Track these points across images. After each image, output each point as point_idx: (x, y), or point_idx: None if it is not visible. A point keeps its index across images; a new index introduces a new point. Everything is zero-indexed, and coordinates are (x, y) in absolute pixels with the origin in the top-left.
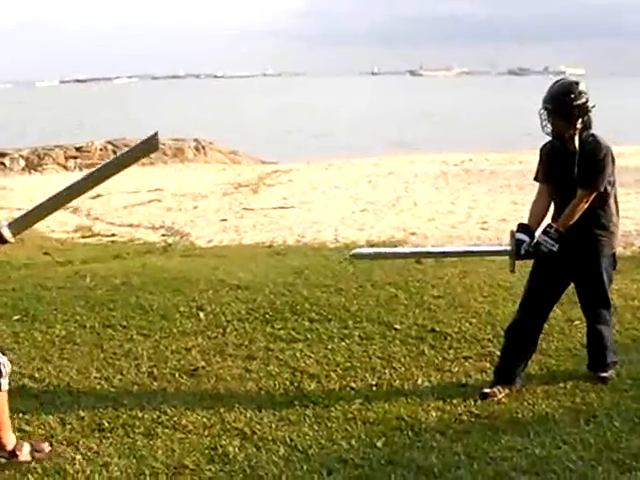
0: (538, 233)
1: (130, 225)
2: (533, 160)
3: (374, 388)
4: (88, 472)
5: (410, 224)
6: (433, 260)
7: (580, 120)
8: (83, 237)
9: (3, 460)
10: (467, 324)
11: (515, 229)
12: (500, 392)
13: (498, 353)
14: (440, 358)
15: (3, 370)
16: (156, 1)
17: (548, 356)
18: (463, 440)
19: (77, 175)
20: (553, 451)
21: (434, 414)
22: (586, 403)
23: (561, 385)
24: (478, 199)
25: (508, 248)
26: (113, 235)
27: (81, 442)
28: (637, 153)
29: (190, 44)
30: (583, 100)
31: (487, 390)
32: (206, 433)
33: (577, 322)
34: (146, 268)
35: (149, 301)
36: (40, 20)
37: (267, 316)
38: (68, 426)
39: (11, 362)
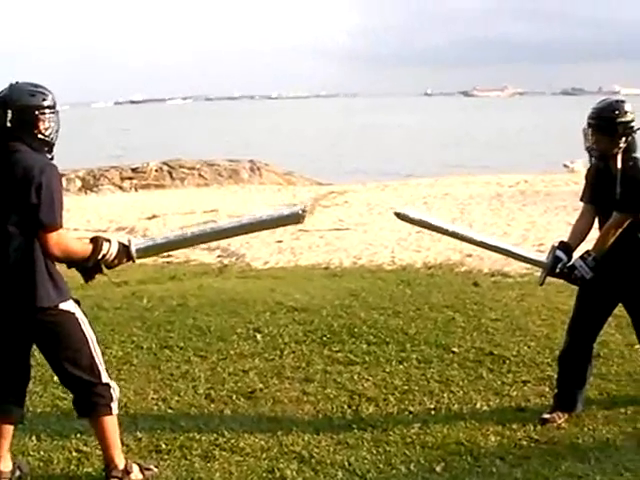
0: (576, 256)
1: None
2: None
3: (432, 412)
4: None
5: (466, 246)
6: (491, 283)
7: (624, 139)
8: (139, 258)
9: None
10: (525, 347)
11: (557, 244)
12: (560, 417)
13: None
14: (499, 382)
15: (114, 395)
16: (213, 26)
17: (608, 381)
18: (523, 466)
19: (133, 196)
20: (615, 478)
21: (493, 439)
22: None
23: (622, 410)
24: (534, 220)
25: (545, 261)
26: (169, 256)
27: (139, 463)
28: None
29: (244, 65)
30: (628, 119)
31: (547, 416)
32: (264, 456)
33: (637, 346)
34: (202, 289)
35: (206, 322)
36: (103, 46)
37: (324, 338)
38: (125, 447)
39: None
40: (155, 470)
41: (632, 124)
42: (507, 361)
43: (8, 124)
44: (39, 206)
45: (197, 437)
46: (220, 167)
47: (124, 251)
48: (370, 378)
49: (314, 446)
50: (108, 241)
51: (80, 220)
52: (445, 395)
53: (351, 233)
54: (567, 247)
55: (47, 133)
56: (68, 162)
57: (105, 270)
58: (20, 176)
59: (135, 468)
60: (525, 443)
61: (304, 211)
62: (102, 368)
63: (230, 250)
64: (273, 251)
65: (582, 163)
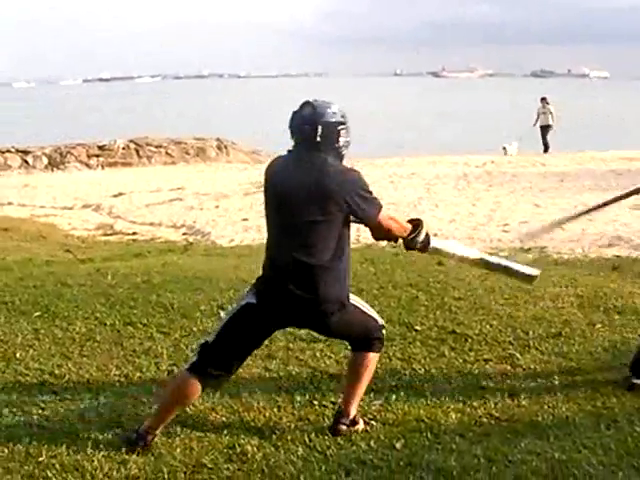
0: None
1: (151, 224)
2: (555, 162)
3: (394, 389)
4: (106, 469)
5: (432, 225)
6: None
7: None
8: (105, 235)
9: (344, 427)
10: (488, 326)
11: None
12: None
13: (519, 356)
14: (460, 360)
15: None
16: (184, 2)
17: (569, 359)
18: (483, 443)
19: (100, 173)
20: (573, 455)
21: (454, 416)
22: (607, 407)
23: (582, 389)
24: (500, 201)
25: None
26: (134, 233)
27: (100, 438)
28: None
29: (214, 43)
30: None
31: (637, 381)
32: (225, 432)
33: (598, 325)
34: (167, 266)
35: (169, 299)
36: (70, 20)
37: None
38: (87, 423)
39: (32, 359)
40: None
41: None
42: (469, 339)
43: (318, 139)
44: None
45: None
46: (187, 145)
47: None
48: (332, 355)
49: (275, 422)
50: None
51: (46, 197)
52: (407, 373)
53: None
54: None
55: (343, 145)
56: (36, 139)
57: (70, 247)
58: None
59: (361, 422)
60: (485, 420)
61: (537, 276)
62: (375, 315)
63: (195, 228)
64: (239, 229)
65: (516, 146)
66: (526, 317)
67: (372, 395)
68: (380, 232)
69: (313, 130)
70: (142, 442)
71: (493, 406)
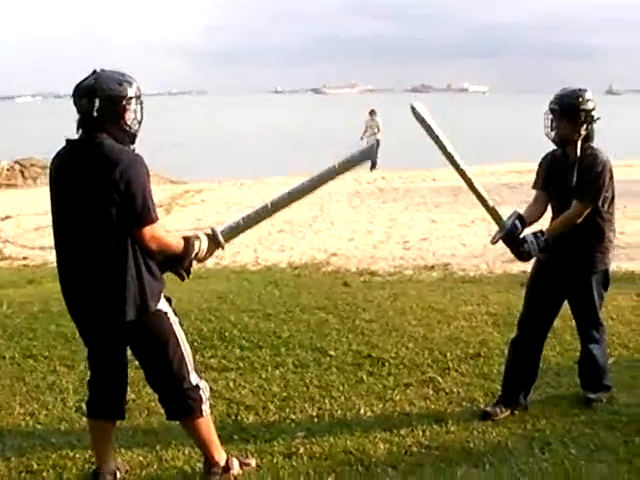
0: (528, 232)
1: (42, 248)
2: (446, 177)
3: (315, 419)
4: None
5: (330, 244)
6: (360, 282)
7: (584, 127)
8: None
9: (217, 477)
10: (404, 349)
11: (517, 214)
12: (502, 412)
13: (439, 379)
14: (380, 386)
15: (203, 396)
16: (61, 12)
17: (491, 381)
18: (416, 474)
19: None
20: None
21: (382, 446)
22: (538, 430)
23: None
24: (395, 218)
25: (506, 221)
26: (25, 258)
27: None
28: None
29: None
30: (590, 107)
31: (489, 409)
32: (144, 473)
33: None
34: None
35: (71, 329)
36: None
37: (196, 344)
38: None
39: None
40: (253, 464)
41: (593, 113)
42: (386, 363)
43: (95, 114)
44: (133, 200)
45: (70, 455)
46: None
47: (213, 241)
48: (247, 385)
49: (196, 460)
50: (197, 238)
51: None
52: (327, 401)
53: None
54: (523, 220)
55: (131, 123)
56: None
57: None
58: (107, 169)
59: (235, 464)
60: (416, 450)
61: (373, 147)
62: (192, 369)
63: None
64: None
65: None
66: (442, 338)
67: (293, 426)
68: (149, 243)
69: (89, 103)
70: None
71: (421, 434)
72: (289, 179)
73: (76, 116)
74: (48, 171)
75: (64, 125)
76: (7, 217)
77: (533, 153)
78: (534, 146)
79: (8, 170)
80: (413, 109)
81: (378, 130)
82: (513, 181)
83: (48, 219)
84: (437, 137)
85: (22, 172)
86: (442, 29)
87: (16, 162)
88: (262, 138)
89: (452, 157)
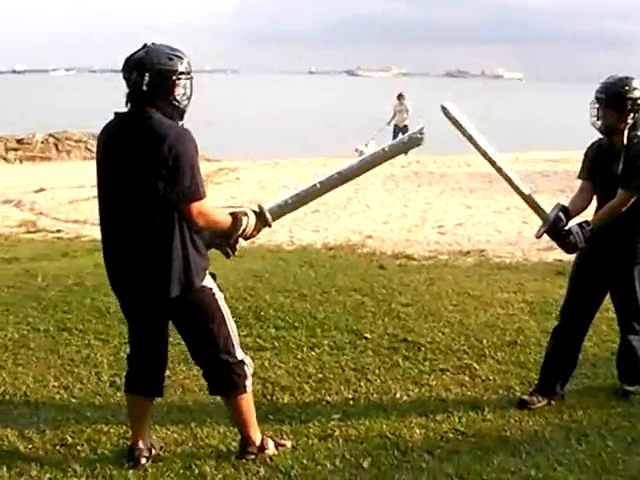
0: (573, 224)
1: (76, 221)
2: (481, 163)
3: (351, 402)
4: None
5: (365, 226)
6: (396, 266)
7: (631, 115)
8: (27, 232)
9: (253, 456)
10: (440, 334)
11: (560, 205)
12: (539, 401)
13: (476, 366)
14: (416, 370)
15: (248, 372)
16: None
17: (528, 369)
18: (453, 460)
19: (18, 167)
20: (549, 473)
21: (418, 432)
22: (575, 420)
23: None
24: (430, 202)
25: (550, 214)
26: (59, 231)
27: (44, 459)
28: None
29: (130, 38)
30: (637, 95)
31: (526, 397)
32: (178, 450)
33: None
34: (99, 268)
35: (105, 304)
36: None
37: None
38: (29, 441)
39: None
40: (289, 445)
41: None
42: (422, 348)
43: (144, 87)
44: (182, 175)
45: (105, 429)
46: None
47: (260, 219)
48: (282, 365)
49: (231, 439)
50: (245, 214)
51: None
52: (362, 384)
53: None
54: (567, 212)
55: (180, 99)
56: None
57: None
58: (156, 144)
59: (270, 444)
60: (452, 436)
61: (422, 133)
62: (237, 344)
63: None
64: None
65: (374, 148)
66: (478, 324)
67: (329, 408)
68: (196, 219)
69: (139, 77)
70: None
71: (457, 420)
72: (325, 160)
73: (123, 89)
74: (95, 142)
75: (98, 99)
76: (41, 189)
77: (569, 142)
78: (570, 135)
79: (42, 143)
80: (444, 109)
81: (407, 114)
82: (548, 169)
83: (82, 193)
84: (470, 136)
85: (56, 145)
86: (478, 14)
87: (50, 135)
88: (295, 118)
89: (488, 155)
